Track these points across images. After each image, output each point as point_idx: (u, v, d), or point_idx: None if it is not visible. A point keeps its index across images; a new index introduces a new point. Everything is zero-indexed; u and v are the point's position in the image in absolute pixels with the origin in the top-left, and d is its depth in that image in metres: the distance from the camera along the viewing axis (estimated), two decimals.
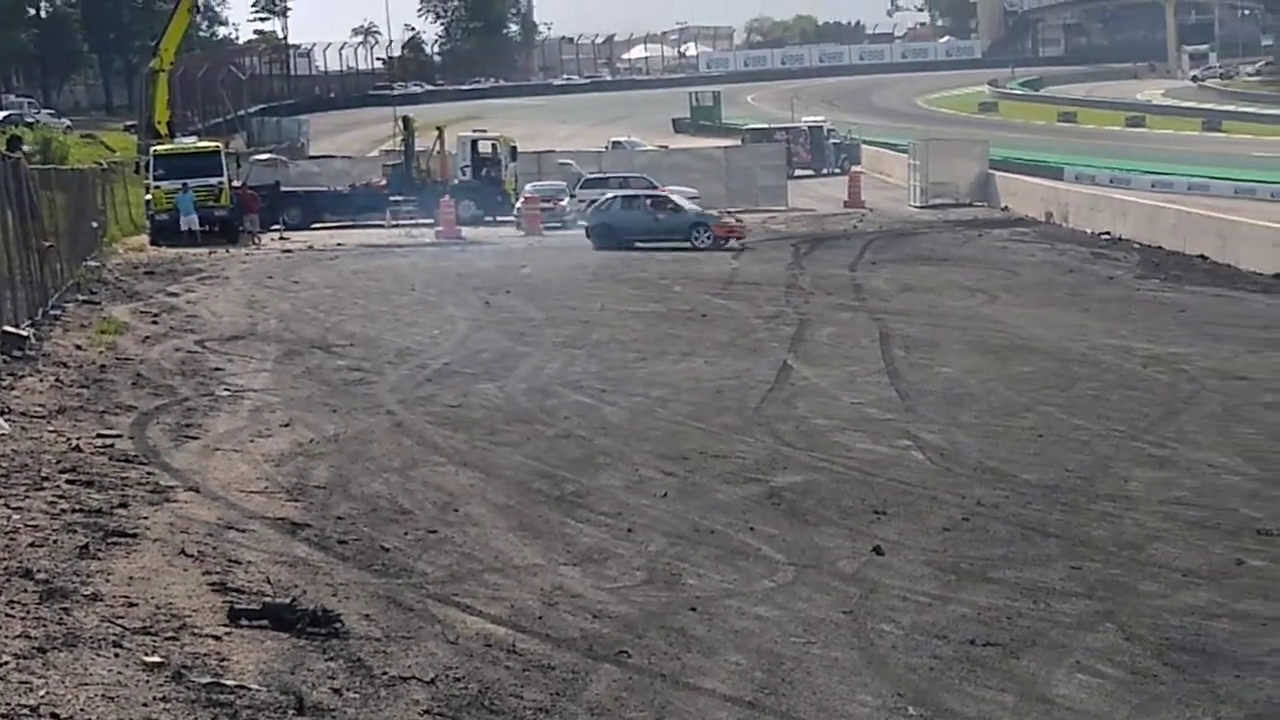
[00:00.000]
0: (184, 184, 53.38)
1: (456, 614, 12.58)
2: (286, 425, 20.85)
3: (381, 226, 57.24)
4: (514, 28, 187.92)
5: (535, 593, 13.40)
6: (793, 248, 49.09)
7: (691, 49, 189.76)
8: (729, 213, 55.64)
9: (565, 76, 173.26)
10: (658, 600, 13.40)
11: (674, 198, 52.80)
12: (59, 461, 16.93)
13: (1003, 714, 11.05)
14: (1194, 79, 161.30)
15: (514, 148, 63.45)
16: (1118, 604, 13.74)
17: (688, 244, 49.36)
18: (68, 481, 15.88)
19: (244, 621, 11.56)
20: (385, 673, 10.81)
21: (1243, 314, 36.24)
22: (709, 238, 49.63)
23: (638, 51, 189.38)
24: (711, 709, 10.88)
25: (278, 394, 23.48)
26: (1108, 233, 52.55)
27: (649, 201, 51.53)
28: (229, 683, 10.10)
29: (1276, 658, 12.36)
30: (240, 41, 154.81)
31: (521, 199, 57.72)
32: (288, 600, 12.02)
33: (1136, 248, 49.20)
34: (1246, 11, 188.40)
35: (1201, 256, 46.60)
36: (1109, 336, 31.33)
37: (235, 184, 56.80)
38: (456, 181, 60.70)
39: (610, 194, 53.54)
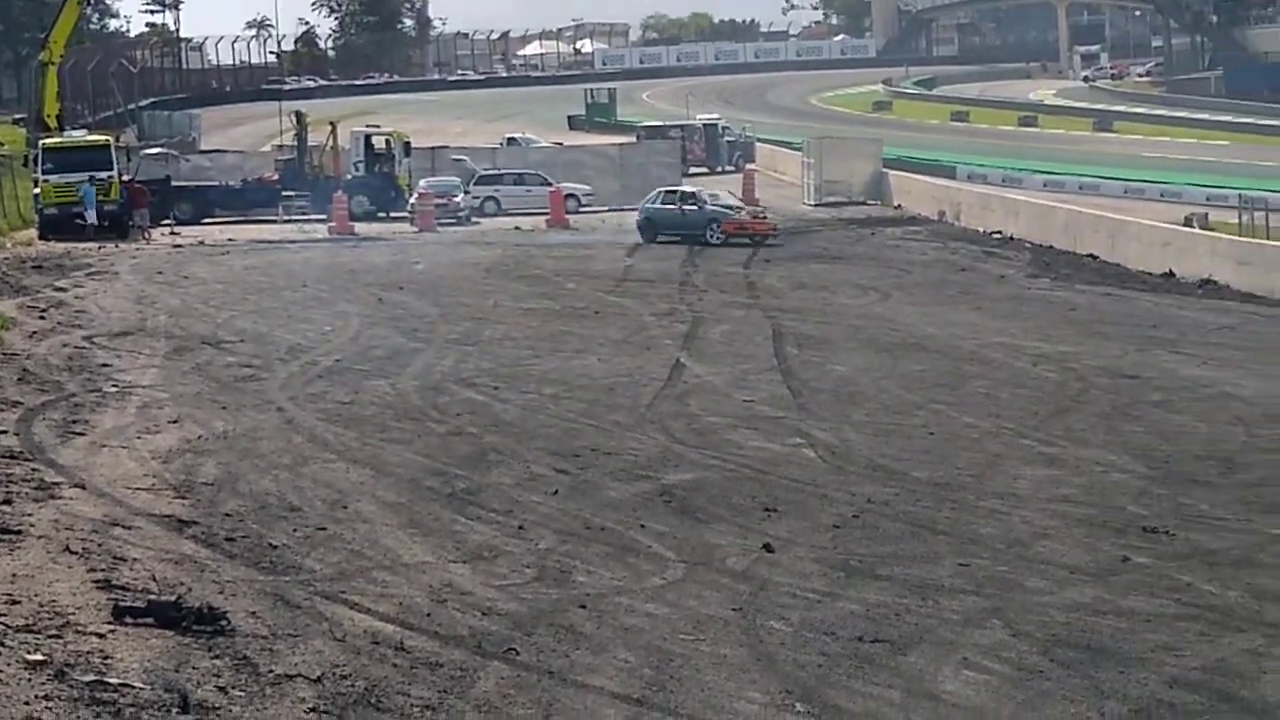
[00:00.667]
0: (91, 177, 52.74)
1: (344, 611, 12.51)
2: (175, 422, 20.69)
3: (274, 222, 56.74)
4: (408, 23, 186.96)
5: (424, 590, 13.35)
6: (687, 246, 49.05)
7: (587, 45, 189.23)
8: (758, 210, 54.56)
9: (460, 72, 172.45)
10: (547, 597, 13.37)
11: (702, 193, 53.11)
12: None
13: (890, 710, 11.10)
14: (1085, 79, 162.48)
15: (408, 143, 63.05)
16: (1005, 601, 13.82)
17: (705, 239, 49.69)
18: None
19: (129, 619, 11.46)
20: (271, 670, 10.73)
21: (1131, 313, 36.59)
22: (720, 235, 49.92)
23: (533, 48, 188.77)
24: (599, 706, 10.87)
25: (166, 390, 23.28)
26: (999, 232, 52.84)
27: (680, 197, 52.02)
28: (112, 681, 10.01)
29: (1160, 654, 12.47)
30: (131, 35, 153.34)
31: (415, 195, 57.42)
32: (173, 598, 11.92)
33: (1028, 247, 49.50)
34: (1137, 13, 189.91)
35: (1092, 256, 46.97)
36: (1000, 335, 31.55)
37: (125, 178, 56.17)
38: (350, 177, 60.21)
39: (656, 190, 54.00)
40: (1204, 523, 17.09)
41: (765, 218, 52.74)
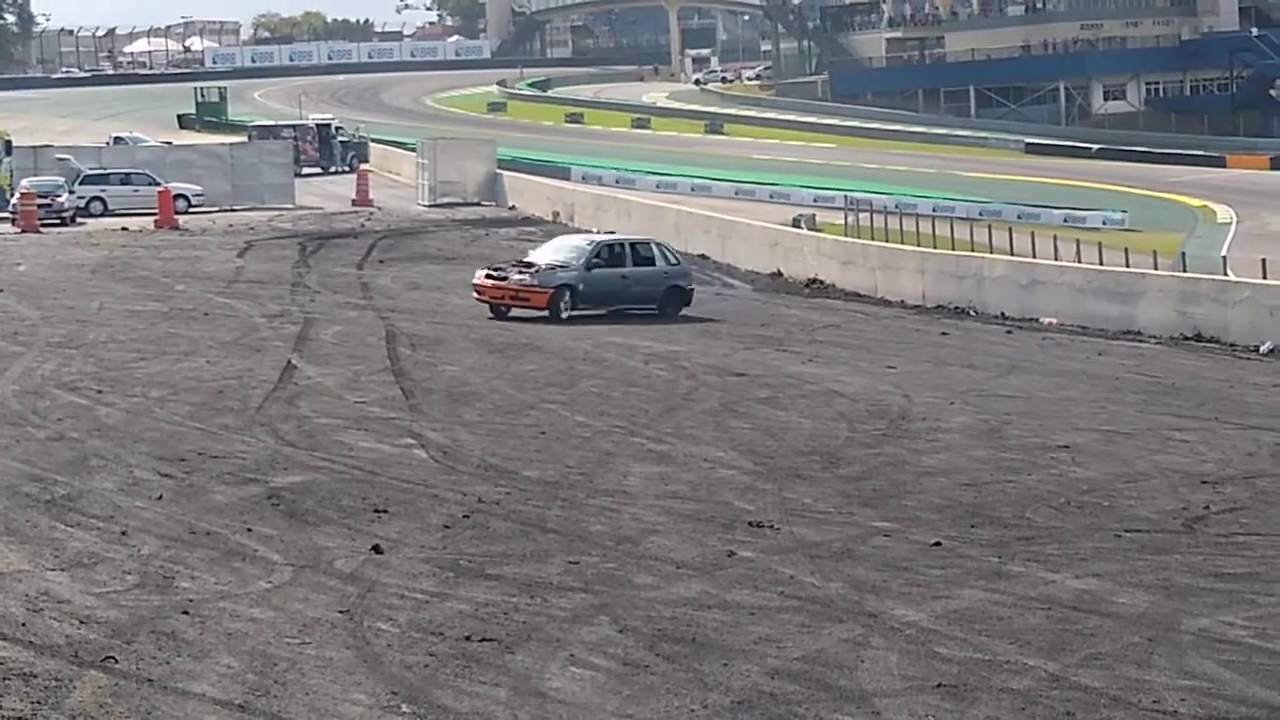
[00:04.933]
0: None
1: None
2: None
3: None
4: (10, 18, 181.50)
5: (19, 599, 12.92)
6: (299, 246, 48.55)
7: (197, 43, 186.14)
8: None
9: (65, 69, 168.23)
10: (149, 604, 13.05)
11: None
12: None
13: (496, 709, 11.07)
14: (697, 82, 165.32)
15: (9, 142, 61.49)
16: (613, 597, 13.92)
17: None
18: None
19: None
20: None
21: (739, 311, 37.32)
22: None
23: (141, 45, 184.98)
24: (200, 713, 10.64)
25: None
26: (612, 232, 53.37)
27: (622, 253, 37.53)
28: None
29: (763, 645, 12.67)
30: None
31: (17, 195, 55.83)
32: None
33: None
34: (746, 17, 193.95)
35: (703, 256, 47.78)
36: (613, 335, 31.88)
37: None
38: None
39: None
40: (807, 516, 17.45)
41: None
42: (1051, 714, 11.49)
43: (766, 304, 38.73)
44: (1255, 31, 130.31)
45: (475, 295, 35.47)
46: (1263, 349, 33.18)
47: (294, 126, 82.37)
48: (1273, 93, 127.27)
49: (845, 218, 61.41)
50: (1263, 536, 17.37)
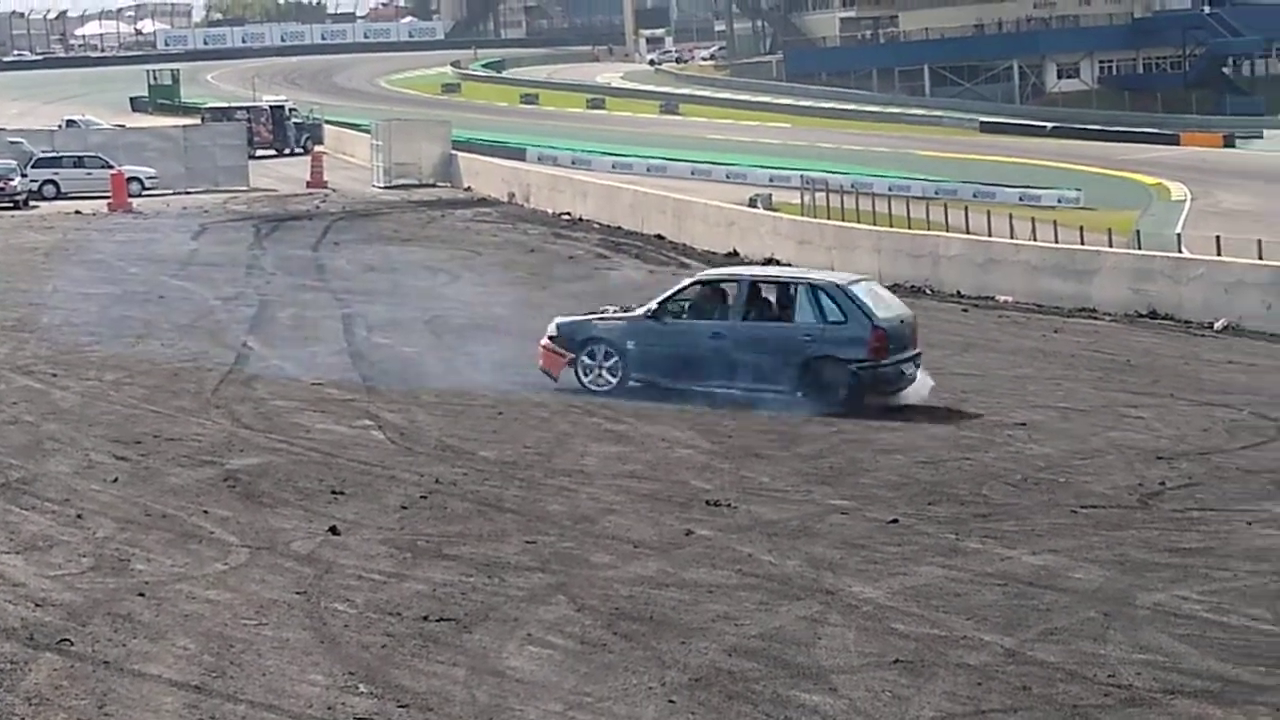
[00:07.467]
0: None
1: None
2: None
3: None
4: None
5: None
6: (254, 228, 48.38)
7: (149, 26, 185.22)
8: None
9: (16, 52, 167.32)
10: (104, 587, 13.01)
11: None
12: None
13: (454, 688, 11.07)
14: (651, 63, 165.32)
15: None
16: (570, 576, 13.91)
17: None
18: None
19: None
20: None
21: None
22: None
23: (92, 28, 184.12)
24: (156, 694, 10.61)
25: None
26: (569, 213, 53.36)
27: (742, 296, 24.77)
28: None
29: (721, 623, 12.69)
30: None
31: None
32: None
33: (596, 227, 50.11)
34: None
35: (659, 236, 47.77)
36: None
37: None
38: None
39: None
40: (764, 495, 17.48)
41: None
42: (1007, 689, 11.52)
43: None
44: (1208, 9, 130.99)
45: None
46: (1217, 325, 33.31)
47: (247, 108, 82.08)
48: (1225, 70, 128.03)
49: (801, 197, 61.49)
50: (1217, 511, 17.45)
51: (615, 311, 24.86)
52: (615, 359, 23.88)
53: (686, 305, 24.29)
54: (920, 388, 23.82)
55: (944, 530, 16.12)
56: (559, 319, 24.65)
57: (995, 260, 39.10)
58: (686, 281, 25.26)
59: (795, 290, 23.88)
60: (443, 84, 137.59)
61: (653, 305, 24.23)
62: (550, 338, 24.35)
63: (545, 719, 10.70)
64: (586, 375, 23.92)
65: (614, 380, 23.82)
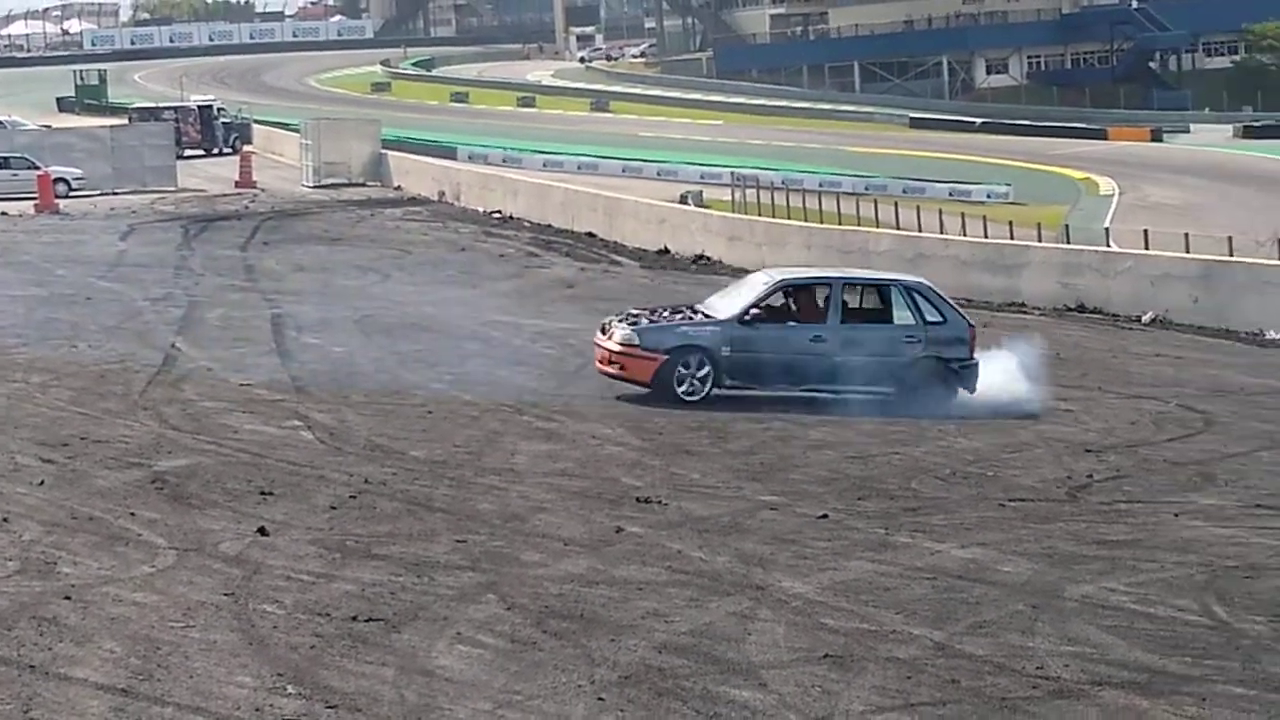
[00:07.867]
0: None
1: None
2: None
3: None
4: None
5: None
6: (183, 229, 48.03)
7: (75, 26, 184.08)
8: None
9: None
10: (30, 590, 12.91)
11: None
12: None
13: (383, 688, 11.04)
14: (581, 60, 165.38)
15: None
16: (500, 575, 13.90)
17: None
18: None
19: None
20: None
21: (628, 289, 37.28)
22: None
23: (18, 27, 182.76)
24: (82, 698, 10.54)
25: None
26: (499, 211, 53.24)
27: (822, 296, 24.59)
28: None
29: (651, 620, 12.70)
30: None
31: None
32: None
33: (527, 225, 50.04)
34: None
35: (590, 234, 47.75)
36: (500, 313, 31.77)
37: None
38: None
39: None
40: (695, 491, 17.51)
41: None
42: (937, 682, 11.57)
43: (654, 281, 38.72)
44: (1135, 4, 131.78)
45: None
46: (1144, 319, 33.54)
47: (175, 108, 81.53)
48: (1152, 65, 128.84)
49: (732, 194, 61.56)
50: (1144, 504, 17.58)
51: (650, 315, 24.24)
52: (707, 367, 23.13)
53: (774, 309, 23.73)
54: None
55: (874, 525, 16.19)
56: (634, 326, 23.65)
57: (925, 255, 39.20)
58: (763, 285, 24.09)
59: (891, 291, 23.88)
60: (372, 83, 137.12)
61: (737, 310, 23.44)
62: (630, 345, 23.29)
63: (474, 718, 10.69)
64: (681, 385, 23.08)
65: (705, 389, 23.15)
